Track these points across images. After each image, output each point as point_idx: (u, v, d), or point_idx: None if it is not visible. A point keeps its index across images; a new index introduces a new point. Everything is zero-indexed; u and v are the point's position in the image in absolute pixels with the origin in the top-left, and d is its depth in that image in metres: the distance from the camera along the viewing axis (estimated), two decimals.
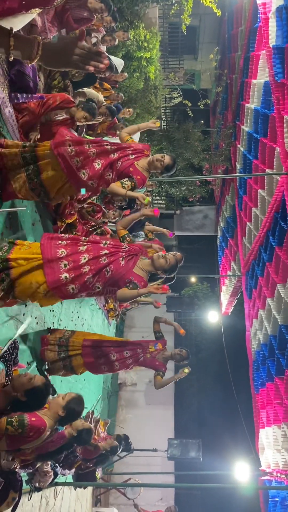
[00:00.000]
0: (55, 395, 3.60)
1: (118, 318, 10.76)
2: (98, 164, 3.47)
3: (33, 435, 2.87)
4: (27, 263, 2.97)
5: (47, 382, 2.70)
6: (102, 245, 3.26)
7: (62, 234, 3.32)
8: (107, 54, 5.69)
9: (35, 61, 1.42)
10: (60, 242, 3.15)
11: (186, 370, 4.87)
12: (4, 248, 2.98)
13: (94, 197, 6.13)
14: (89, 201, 5.93)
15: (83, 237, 3.36)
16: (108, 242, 3.33)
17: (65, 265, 3.04)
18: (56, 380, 5.11)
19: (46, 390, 2.67)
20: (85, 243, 3.21)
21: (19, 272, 2.94)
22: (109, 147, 3.55)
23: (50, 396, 3.06)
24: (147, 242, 5.80)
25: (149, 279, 3.41)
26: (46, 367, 4.70)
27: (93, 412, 6.65)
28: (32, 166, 3.36)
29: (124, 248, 3.32)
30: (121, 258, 3.22)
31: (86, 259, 3.09)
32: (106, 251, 3.19)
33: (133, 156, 3.63)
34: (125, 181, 3.51)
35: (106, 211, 6.21)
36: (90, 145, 3.46)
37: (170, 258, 3.38)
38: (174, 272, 3.49)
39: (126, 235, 3.52)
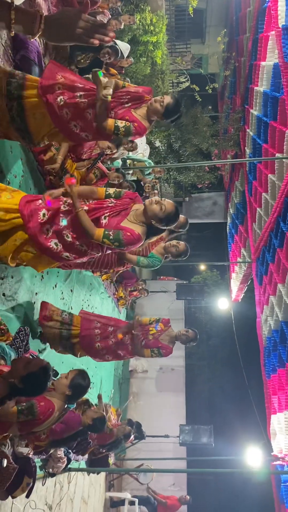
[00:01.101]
0: (58, 376, 3.54)
1: (129, 305, 10.79)
2: (90, 114, 2.97)
3: (43, 418, 2.86)
4: (7, 218, 2.66)
5: (44, 366, 2.53)
6: (83, 202, 2.84)
7: (39, 195, 2.90)
8: (114, 33, 5.61)
9: (38, 35, 1.37)
10: (39, 202, 2.76)
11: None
12: None
13: (103, 185, 6.12)
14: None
15: (64, 199, 2.90)
16: (92, 201, 2.91)
17: (47, 230, 2.71)
18: (68, 368, 5.13)
19: (44, 375, 2.50)
20: (66, 204, 2.81)
21: None
22: None
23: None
24: None
25: (150, 233, 2.89)
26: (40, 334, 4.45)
27: (110, 405, 6.72)
28: (16, 103, 2.88)
29: (108, 204, 2.84)
30: (103, 217, 2.77)
31: (66, 222, 2.73)
32: (86, 208, 2.76)
33: (129, 104, 3.09)
34: (119, 121, 2.98)
35: None
36: (82, 93, 2.94)
37: (167, 204, 2.82)
38: (172, 223, 2.93)
39: (106, 195, 2.94)
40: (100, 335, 4.37)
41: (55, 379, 3.24)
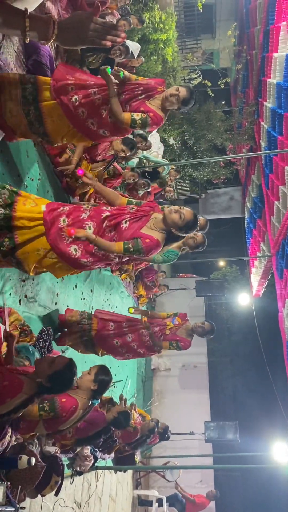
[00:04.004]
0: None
1: (154, 301, 10.85)
2: (105, 110, 3.03)
3: (66, 415, 2.91)
4: (31, 225, 2.69)
5: (68, 363, 2.59)
6: (104, 208, 2.90)
7: (63, 203, 2.95)
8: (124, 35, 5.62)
9: (52, 40, 1.40)
10: (61, 209, 2.80)
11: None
12: (4, 196, 2.66)
13: (118, 186, 6.15)
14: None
15: (85, 205, 2.96)
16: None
17: (68, 236, 2.70)
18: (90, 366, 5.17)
19: (70, 372, 2.58)
20: (87, 209, 2.86)
21: (24, 239, 2.67)
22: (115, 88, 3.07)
23: None
24: None
25: (169, 239, 2.89)
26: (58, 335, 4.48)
27: (125, 399, 6.72)
28: (33, 107, 2.95)
29: (129, 210, 2.89)
30: (123, 221, 2.81)
31: (91, 228, 2.76)
32: (108, 214, 2.81)
33: (143, 96, 3.13)
34: (135, 114, 3.04)
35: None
36: (95, 90, 3.01)
37: (185, 213, 2.80)
38: (191, 230, 2.92)
39: (129, 201, 3.06)
40: (115, 332, 4.38)
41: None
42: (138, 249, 2.70)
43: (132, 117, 3.00)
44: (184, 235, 2.92)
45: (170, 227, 2.81)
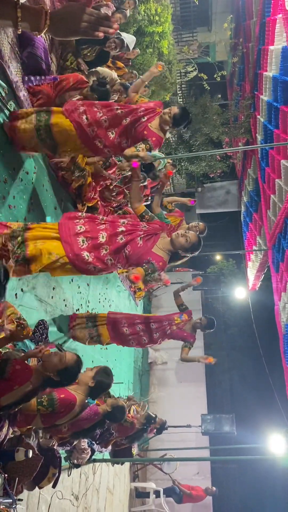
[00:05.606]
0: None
1: (151, 296, 10.89)
2: (112, 133, 3.42)
3: (64, 410, 2.96)
4: (43, 231, 2.97)
5: (78, 359, 2.73)
6: (119, 223, 3.17)
7: (80, 213, 3.28)
8: (118, 31, 5.59)
9: (44, 31, 1.39)
10: (78, 220, 3.11)
11: (211, 360, 4.93)
12: (18, 232, 2.96)
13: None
14: (114, 184, 5.94)
15: (101, 216, 3.28)
16: (126, 221, 3.23)
17: (83, 241, 2.98)
18: (87, 361, 5.19)
19: (78, 367, 2.72)
20: (103, 222, 3.16)
21: (34, 235, 2.91)
22: (119, 111, 3.44)
23: None
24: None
25: (172, 258, 3.27)
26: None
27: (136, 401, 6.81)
28: (43, 125, 3.34)
29: (142, 227, 3.21)
30: (138, 238, 3.12)
31: (105, 238, 3.03)
32: (123, 229, 3.10)
33: (145, 118, 3.50)
34: (139, 145, 3.41)
35: (127, 192, 6.19)
36: (101, 111, 3.39)
37: (191, 236, 3.17)
38: (197, 251, 3.28)
39: (144, 212, 3.35)
40: (127, 323, 4.71)
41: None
42: (154, 270, 3.09)
43: (139, 152, 3.42)
44: (190, 255, 3.33)
45: (178, 249, 3.19)
